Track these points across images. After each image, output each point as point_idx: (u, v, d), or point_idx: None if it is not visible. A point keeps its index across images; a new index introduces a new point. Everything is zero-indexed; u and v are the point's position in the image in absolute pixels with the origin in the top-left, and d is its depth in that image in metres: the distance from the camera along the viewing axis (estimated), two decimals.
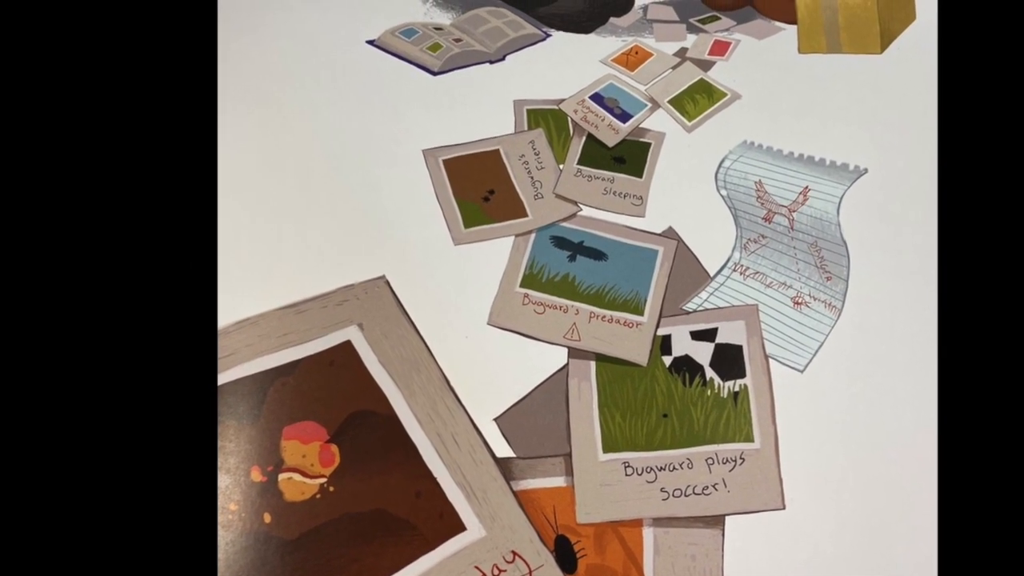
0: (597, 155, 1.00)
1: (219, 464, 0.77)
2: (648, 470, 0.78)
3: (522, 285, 0.89)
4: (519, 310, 0.87)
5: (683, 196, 0.96)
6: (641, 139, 1.02)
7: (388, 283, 0.88)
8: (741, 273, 0.90)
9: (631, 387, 0.82)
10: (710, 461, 0.78)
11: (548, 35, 1.14)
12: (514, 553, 0.74)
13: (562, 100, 1.05)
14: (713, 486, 0.77)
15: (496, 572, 0.74)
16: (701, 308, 0.87)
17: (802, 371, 0.83)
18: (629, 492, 0.77)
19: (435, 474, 0.77)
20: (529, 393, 0.82)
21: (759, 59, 1.10)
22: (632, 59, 1.10)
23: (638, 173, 0.98)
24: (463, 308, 0.87)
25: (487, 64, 1.10)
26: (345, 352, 0.83)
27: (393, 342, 0.84)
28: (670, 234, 0.93)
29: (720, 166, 0.98)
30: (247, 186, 0.95)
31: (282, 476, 0.77)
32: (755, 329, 0.85)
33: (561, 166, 0.99)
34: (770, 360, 0.84)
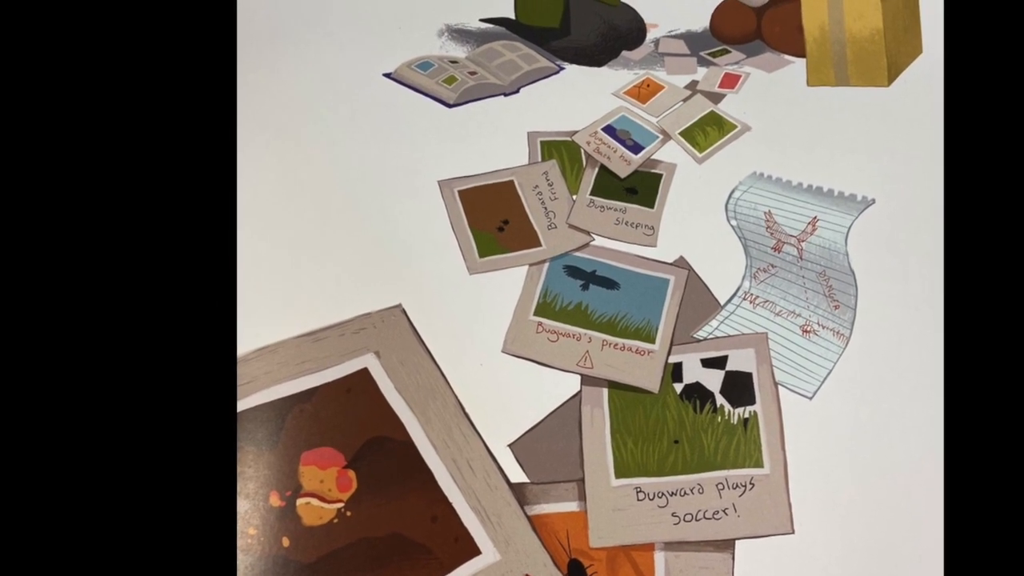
0: (610, 186, 1.01)
1: (239, 489, 0.78)
2: (660, 495, 0.79)
3: (536, 314, 0.89)
4: (533, 338, 0.88)
5: (694, 226, 0.97)
6: (653, 170, 1.02)
7: (404, 311, 0.88)
8: (751, 302, 0.90)
9: (643, 414, 0.83)
10: (720, 486, 0.79)
11: (561, 68, 1.14)
12: None
13: (575, 132, 1.06)
14: (723, 511, 0.78)
15: None
16: (711, 336, 0.88)
17: (811, 398, 0.84)
18: (641, 517, 0.78)
19: (450, 499, 0.78)
20: (543, 420, 0.83)
21: (768, 92, 1.10)
22: (644, 92, 1.11)
23: (650, 204, 0.99)
24: (478, 336, 0.88)
25: (501, 96, 1.10)
26: (362, 379, 0.84)
27: (409, 369, 0.84)
28: (681, 263, 0.93)
29: (730, 197, 0.99)
30: (266, 217, 0.96)
31: (300, 501, 0.78)
32: (765, 357, 0.86)
33: (574, 197, 1.00)
34: (779, 387, 0.84)
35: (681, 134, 1.06)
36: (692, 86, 1.12)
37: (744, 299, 0.91)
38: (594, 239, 0.96)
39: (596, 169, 1.02)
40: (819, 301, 0.90)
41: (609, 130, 1.06)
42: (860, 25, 1.11)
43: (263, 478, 0.79)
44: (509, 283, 0.92)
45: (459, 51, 1.16)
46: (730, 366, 0.86)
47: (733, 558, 0.77)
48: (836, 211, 0.96)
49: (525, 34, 1.19)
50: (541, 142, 1.05)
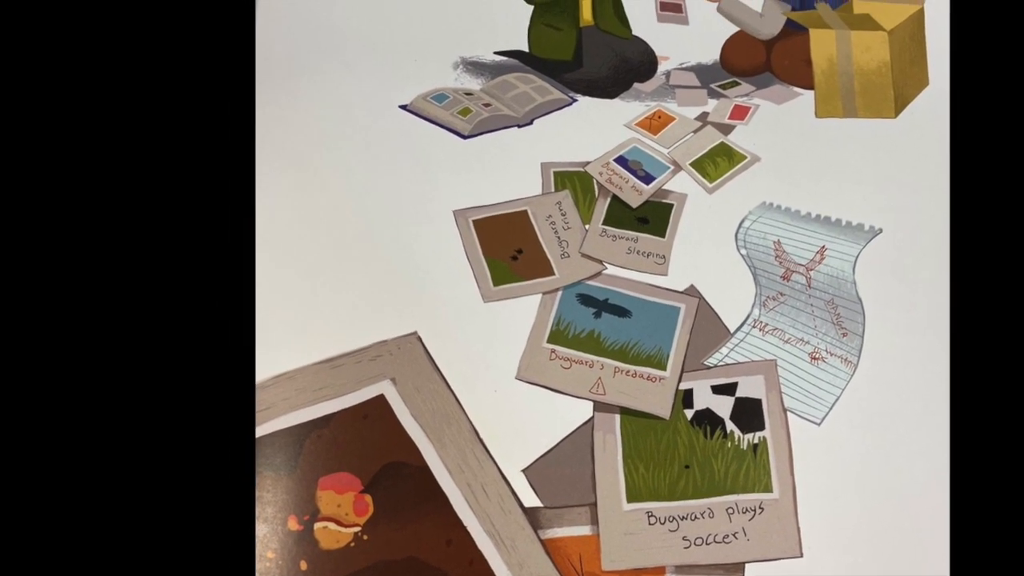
0: (621, 216, 1.01)
1: (257, 513, 0.78)
2: (671, 519, 0.79)
3: (549, 341, 0.90)
4: (546, 365, 0.88)
5: (704, 255, 0.97)
6: (664, 200, 1.03)
7: (420, 339, 0.89)
8: (760, 329, 0.91)
9: (654, 439, 0.83)
10: (730, 510, 0.79)
11: (574, 100, 1.14)
12: None
13: (588, 163, 1.06)
14: (733, 535, 0.78)
15: None
16: (722, 363, 0.88)
17: (819, 424, 0.85)
18: (652, 540, 0.78)
19: (465, 523, 0.78)
20: (556, 445, 0.83)
21: (778, 123, 1.10)
22: (655, 123, 1.11)
23: (661, 233, 0.99)
24: (492, 363, 0.88)
25: (515, 128, 1.11)
26: (378, 405, 0.84)
27: (425, 396, 0.85)
28: (692, 292, 0.94)
29: (740, 226, 0.99)
30: (284, 245, 0.97)
31: (318, 525, 0.78)
32: (774, 383, 0.86)
33: (587, 226, 1.00)
34: (788, 413, 0.85)
35: (692, 165, 1.06)
36: (703, 118, 1.13)
37: (754, 327, 0.91)
38: (606, 268, 0.96)
39: (608, 199, 1.03)
40: (827, 329, 0.91)
41: (621, 161, 1.06)
42: (867, 58, 1.12)
43: (281, 502, 0.79)
44: (523, 311, 0.92)
45: (474, 83, 1.16)
46: (740, 392, 0.86)
47: None
48: (844, 240, 0.97)
49: (538, 67, 1.19)
50: (554, 172, 1.05)
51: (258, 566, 0.77)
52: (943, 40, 1.12)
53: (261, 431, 0.82)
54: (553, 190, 1.04)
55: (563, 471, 0.82)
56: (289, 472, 0.81)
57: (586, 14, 1.22)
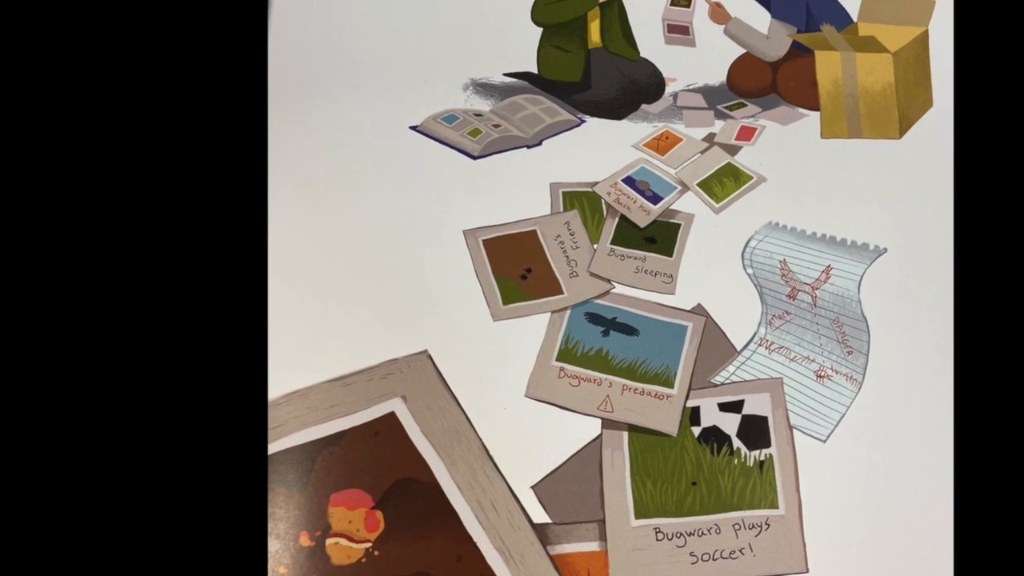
0: (629, 235, 1.02)
1: (269, 529, 0.78)
2: (678, 535, 0.79)
3: (558, 359, 0.90)
4: (555, 383, 0.89)
5: (711, 274, 0.98)
6: (671, 220, 1.04)
7: (430, 357, 0.89)
8: (766, 348, 0.91)
9: (662, 456, 0.84)
10: (737, 526, 0.79)
11: (582, 121, 1.16)
12: None
13: (596, 183, 1.07)
14: (740, 550, 0.78)
15: None
16: (728, 381, 0.89)
17: (824, 441, 0.85)
18: (660, 556, 0.78)
19: (475, 539, 0.78)
20: (565, 462, 0.83)
21: (783, 144, 1.11)
22: (663, 144, 1.12)
23: (668, 252, 1.00)
24: (502, 381, 0.88)
25: (524, 148, 1.12)
26: (389, 423, 0.84)
27: (435, 413, 0.85)
28: (699, 311, 0.94)
29: (746, 246, 1.00)
30: (296, 265, 0.97)
31: (329, 541, 0.78)
32: (780, 401, 0.87)
33: (595, 246, 1.01)
34: (794, 431, 0.85)
35: (699, 185, 1.07)
36: (709, 138, 1.14)
37: (760, 345, 0.92)
38: (614, 287, 0.97)
39: (616, 219, 1.04)
40: (833, 347, 0.91)
41: (629, 181, 1.07)
42: (872, 79, 1.13)
43: (293, 519, 0.79)
44: (532, 330, 0.93)
45: (483, 104, 1.18)
46: (746, 410, 0.86)
47: None
48: (849, 260, 0.98)
49: (547, 88, 1.20)
50: (563, 193, 1.06)
51: None
52: (947, 61, 1.13)
53: (274, 448, 0.83)
54: (562, 210, 1.05)
55: (572, 488, 0.82)
56: (301, 489, 0.81)
57: (594, 36, 1.23)
